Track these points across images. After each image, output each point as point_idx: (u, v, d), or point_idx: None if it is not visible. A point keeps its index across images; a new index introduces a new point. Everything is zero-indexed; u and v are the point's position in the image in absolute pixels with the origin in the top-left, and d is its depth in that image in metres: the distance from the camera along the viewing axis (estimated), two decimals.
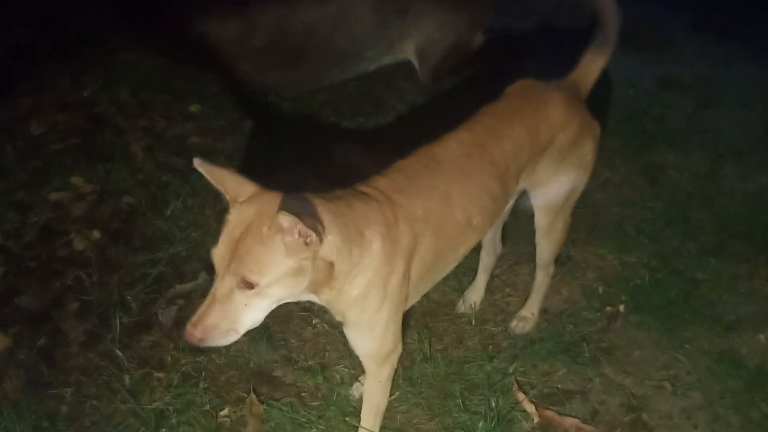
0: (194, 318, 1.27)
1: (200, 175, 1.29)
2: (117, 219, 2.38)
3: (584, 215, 2.39)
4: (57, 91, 2.95)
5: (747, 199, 2.47)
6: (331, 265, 1.31)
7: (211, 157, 2.64)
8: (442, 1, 2.88)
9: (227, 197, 1.30)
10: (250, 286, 1.23)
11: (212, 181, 1.30)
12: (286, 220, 1.17)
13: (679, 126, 2.80)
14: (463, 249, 1.60)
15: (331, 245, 1.30)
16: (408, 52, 3.03)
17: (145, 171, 2.58)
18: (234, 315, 1.26)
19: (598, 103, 2.82)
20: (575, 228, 2.30)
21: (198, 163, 1.30)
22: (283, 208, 1.19)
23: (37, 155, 2.63)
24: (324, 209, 1.31)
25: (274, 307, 1.29)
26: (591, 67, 1.83)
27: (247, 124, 2.81)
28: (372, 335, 1.47)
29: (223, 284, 1.26)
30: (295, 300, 1.36)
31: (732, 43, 3.32)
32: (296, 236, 1.21)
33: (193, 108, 2.91)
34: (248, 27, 2.82)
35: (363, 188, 1.47)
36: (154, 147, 2.70)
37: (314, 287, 1.33)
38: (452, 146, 1.57)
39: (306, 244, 1.23)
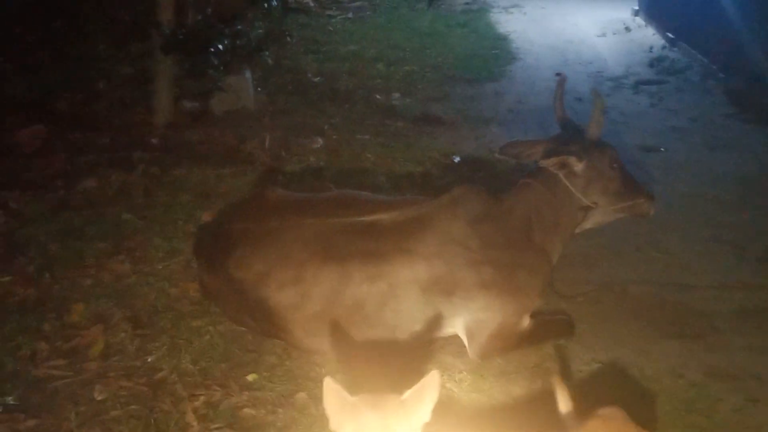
0: None
1: None
2: None
3: None
4: (123, 356, 3.12)
5: None
6: None
7: (262, 430, 2.71)
8: (489, 286, 3.05)
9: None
10: None
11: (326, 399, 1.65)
12: None
13: (729, 421, 2.77)
14: None
15: None
16: (457, 327, 3.16)
17: None
18: None
19: (646, 393, 2.89)
20: None
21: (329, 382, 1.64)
22: None
23: (97, 421, 2.74)
24: None
25: None
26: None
27: (299, 397, 2.90)
28: None
29: None
30: None
31: None
32: None
33: (250, 377, 3.03)
34: (303, 294, 3.02)
35: None
36: (209, 417, 2.79)
37: None
38: None
39: None
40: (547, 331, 3.26)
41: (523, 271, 3.10)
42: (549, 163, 3.22)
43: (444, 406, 2.84)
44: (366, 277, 2.99)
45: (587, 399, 2.83)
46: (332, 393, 1.66)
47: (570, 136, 3.35)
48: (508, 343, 3.14)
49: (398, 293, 3.00)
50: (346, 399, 1.68)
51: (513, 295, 3.08)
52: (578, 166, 3.22)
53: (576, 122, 3.46)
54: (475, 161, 5.43)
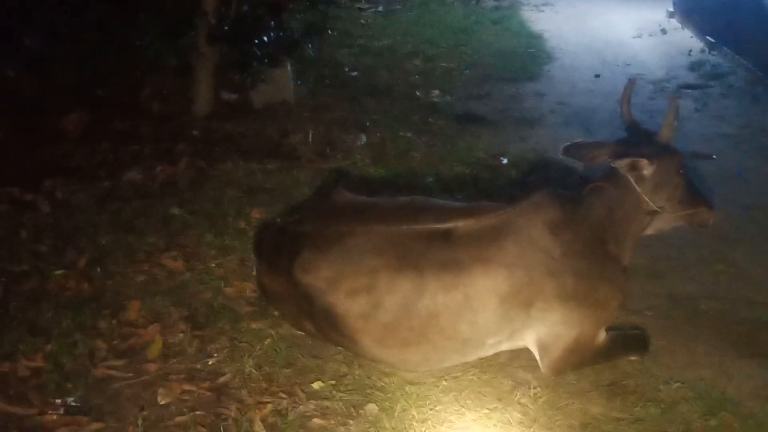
0: None
1: None
2: None
3: None
4: (183, 357, 3.02)
5: None
6: None
7: None
8: (569, 297, 2.92)
9: None
10: None
11: None
12: None
13: None
14: None
15: None
16: (528, 341, 3.03)
17: None
18: None
19: (735, 419, 2.75)
20: None
21: None
22: None
23: (163, 427, 2.64)
24: None
25: None
26: None
27: (370, 408, 2.78)
28: None
29: None
30: None
31: None
32: None
33: (316, 385, 2.91)
34: (375, 303, 2.90)
35: None
36: (278, 426, 2.68)
37: None
38: None
39: None
40: (622, 347, 3.13)
41: (604, 283, 2.98)
42: (620, 164, 3.10)
43: (522, 424, 2.76)
44: (442, 287, 2.86)
45: (673, 423, 2.74)
46: None
47: (638, 139, 3.23)
48: (583, 358, 3.02)
49: (475, 304, 2.88)
50: None
51: (592, 307, 2.95)
52: (648, 169, 3.09)
53: (644, 126, 3.35)
54: (523, 163, 5.29)
